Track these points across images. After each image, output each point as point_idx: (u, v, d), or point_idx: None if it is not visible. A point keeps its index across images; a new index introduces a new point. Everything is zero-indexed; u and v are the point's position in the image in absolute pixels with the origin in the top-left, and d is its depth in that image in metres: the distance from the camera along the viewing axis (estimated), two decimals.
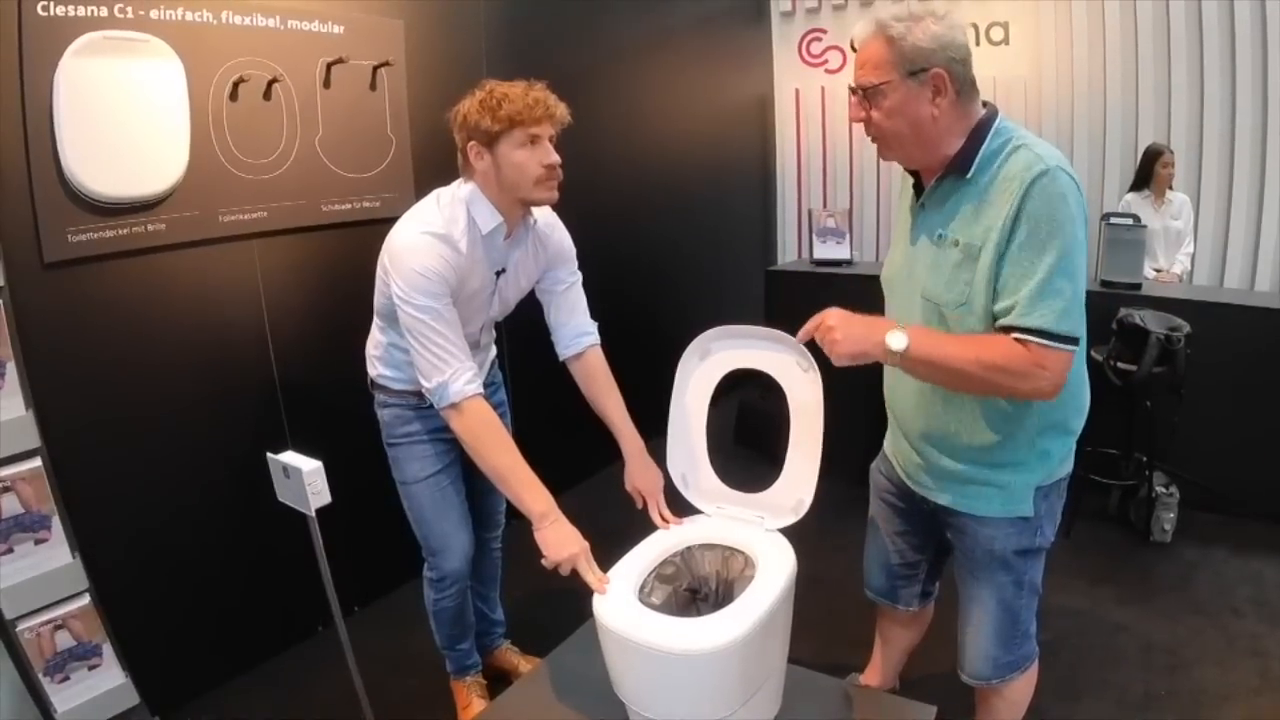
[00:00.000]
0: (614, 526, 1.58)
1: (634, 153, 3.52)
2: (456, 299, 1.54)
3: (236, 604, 2.14)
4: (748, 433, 3.48)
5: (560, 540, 1.43)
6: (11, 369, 1.65)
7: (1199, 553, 2.63)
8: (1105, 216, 3.40)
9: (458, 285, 1.54)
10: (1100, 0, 3.80)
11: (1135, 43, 3.78)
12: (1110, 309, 2.62)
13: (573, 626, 1.68)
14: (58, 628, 1.75)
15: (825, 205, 4.49)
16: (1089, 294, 1.22)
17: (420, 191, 1.82)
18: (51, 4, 1.62)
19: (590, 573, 1.38)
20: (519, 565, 1.95)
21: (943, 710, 1.46)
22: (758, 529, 1.49)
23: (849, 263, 3.32)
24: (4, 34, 1.57)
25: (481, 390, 1.54)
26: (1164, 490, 2.68)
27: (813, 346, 1.32)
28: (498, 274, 1.64)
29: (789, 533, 1.47)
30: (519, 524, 1.62)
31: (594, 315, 1.80)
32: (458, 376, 1.49)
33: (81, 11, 1.66)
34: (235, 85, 1.96)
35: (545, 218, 1.69)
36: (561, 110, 1.51)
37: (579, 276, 1.78)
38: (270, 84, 2.03)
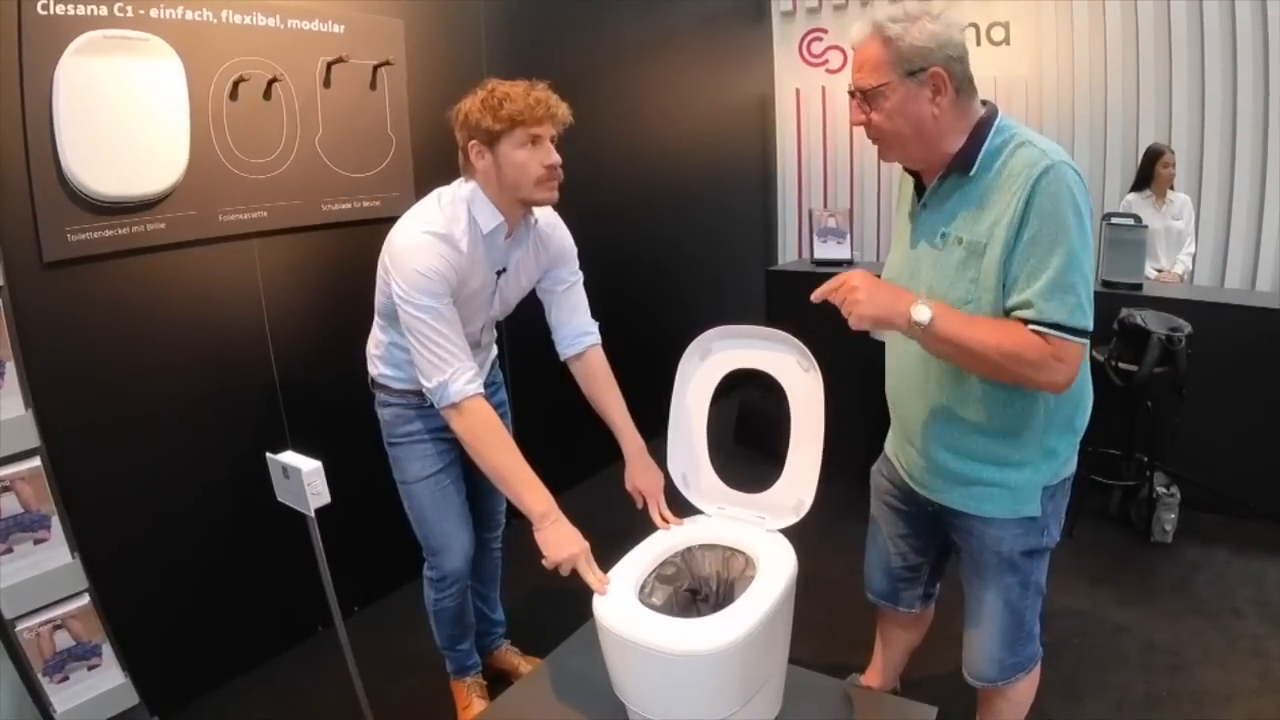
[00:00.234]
0: (614, 527, 1.58)
1: (635, 153, 3.52)
2: (457, 298, 1.54)
3: (236, 604, 2.14)
4: (748, 433, 3.47)
5: (560, 540, 1.43)
6: (11, 369, 1.65)
7: (1200, 553, 2.62)
8: (1106, 217, 3.39)
9: (458, 285, 1.54)
10: (1101, 0, 3.80)
11: (1136, 43, 3.77)
12: (1111, 309, 2.62)
13: (573, 627, 1.68)
14: (57, 628, 1.74)
15: (826, 205, 4.49)
16: None
17: (420, 191, 1.82)
18: (51, 3, 1.62)
19: (590, 573, 1.37)
20: (519, 565, 1.95)
21: (944, 711, 1.46)
22: (758, 529, 1.49)
23: (850, 263, 3.31)
24: (4, 33, 1.57)
25: (482, 390, 1.53)
26: (1165, 491, 2.68)
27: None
28: (498, 273, 1.64)
29: (790, 533, 1.47)
30: (519, 524, 1.62)
31: (595, 315, 1.80)
32: (458, 376, 1.49)
33: (81, 10, 1.66)
34: (235, 84, 1.95)
35: (546, 217, 1.69)
36: (563, 110, 1.51)
37: (580, 276, 1.78)
38: (270, 83, 2.02)
